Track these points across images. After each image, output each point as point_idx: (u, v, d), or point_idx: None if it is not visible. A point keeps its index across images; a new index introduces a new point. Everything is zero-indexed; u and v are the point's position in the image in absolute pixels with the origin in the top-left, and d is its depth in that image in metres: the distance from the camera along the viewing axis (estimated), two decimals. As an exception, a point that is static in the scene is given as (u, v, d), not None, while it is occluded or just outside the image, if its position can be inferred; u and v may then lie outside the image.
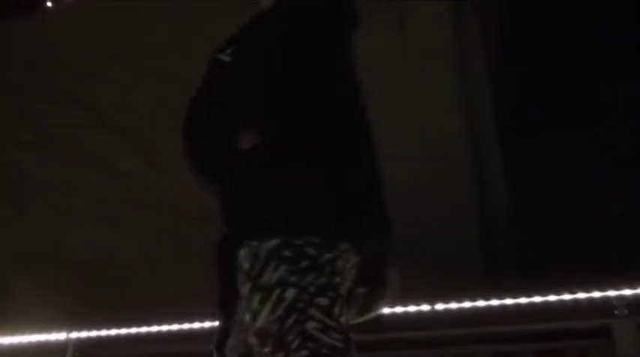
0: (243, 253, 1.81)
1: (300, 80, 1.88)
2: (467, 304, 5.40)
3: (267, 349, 1.71)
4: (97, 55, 8.93)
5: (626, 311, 5.00)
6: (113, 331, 5.92)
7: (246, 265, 1.80)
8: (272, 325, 1.71)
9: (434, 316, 5.45)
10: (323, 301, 1.73)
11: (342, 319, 1.76)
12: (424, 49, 8.54)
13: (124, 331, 5.89)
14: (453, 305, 5.43)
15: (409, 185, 8.03)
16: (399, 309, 5.51)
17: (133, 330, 5.86)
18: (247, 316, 1.77)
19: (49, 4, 9.49)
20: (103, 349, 5.95)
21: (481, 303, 5.38)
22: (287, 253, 1.74)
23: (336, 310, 1.74)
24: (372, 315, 1.98)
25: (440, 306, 5.46)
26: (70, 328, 6.07)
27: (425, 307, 5.49)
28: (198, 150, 1.93)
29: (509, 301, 5.31)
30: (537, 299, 5.24)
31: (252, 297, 1.75)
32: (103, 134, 8.69)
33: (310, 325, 1.70)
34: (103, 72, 8.76)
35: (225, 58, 1.90)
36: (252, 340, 1.76)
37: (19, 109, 9.41)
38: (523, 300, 5.27)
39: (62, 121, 8.98)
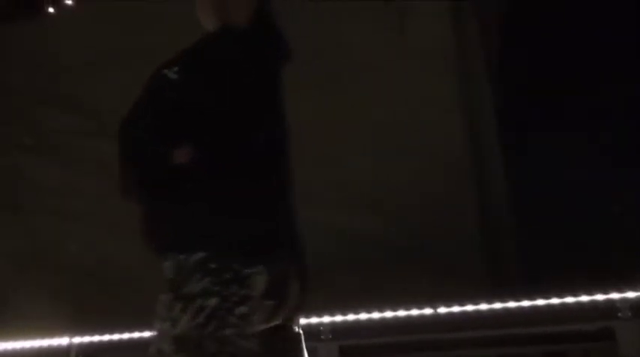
0: (167, 264, 1.90)
1: (240, 105, 1.96)
2: (469, 307, 5.39)
3: (183, 355, 1.81)
4: (97, 59, 8.92)
5: (629, 313, 4.99)
6: (115, 336, 5.92)
7: (170, 275, 1.89)
8: (192, 332, 1.81)
9: (436, 320, 5.45)
10: (243, 309, 1.88)
11: (259, 327, 1.87)
12: (424, 50, 8.54)
13: (126, 335, 5.89)
14: (455, 308, 5.43)
15: (409, 186, 8.03)
16: (401, 312, 5.51)
17: (135, 334, 5.87)
18: (165, 324, 1.86)
19: (49, 8, 9.47)
20: (106, 354, 5.95)
21: (483, 306, 5.38)
22: (212, 266, 1.88)
23: (254, 318, 1.90)
24: (275, 323, 2.14)
25: (442, 309, 5.46)
26: (73, 332, 6.07)
27: (427, 311, 5.49)
28: (134, 160, 2.00)
29: (511, 304, 5.30)
30: (540, 302, 5.24)
31: (173, 305, 1.84)
32: (103, 138, 8.64)
33: (229, 332, 1.80)
34: (103, 75, 8.75)
35: (172, 75, 1.96)
36: (169, 347, 1.84)
37: (21, 112, 9.40)
38: (525, 303, 5.26)
39: (63, 124, 8.98)
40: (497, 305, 5.33)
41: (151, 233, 1.98)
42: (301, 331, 4.13)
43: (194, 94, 1.92)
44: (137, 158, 1.98)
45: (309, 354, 4.19)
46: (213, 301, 1.84)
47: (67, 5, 9.27)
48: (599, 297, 5.16)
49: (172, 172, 1.91)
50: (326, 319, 5.54)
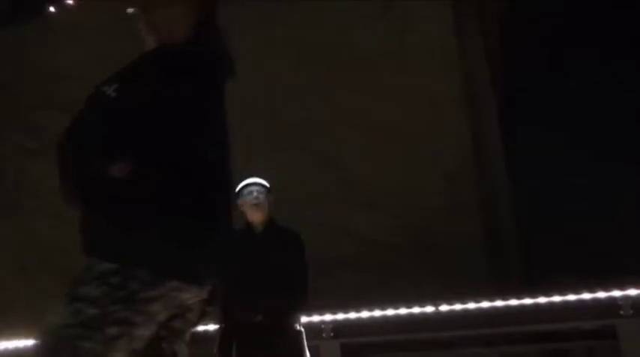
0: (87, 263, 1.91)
1: (176, 125, 1.98)
2: (471, 305, 5.40)
3: (43, 346, 1.83)
4: (97, 61, 8.92)
5: (631, 311, 5.00)
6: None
7: (77, 273, 1.91)
8: (58, 329, 1.81)
9: (438, 318, 5.45)
10: (113, 330, 1.83)
11: (124, 352, 1.87)
12: (425, 50, 8.55)
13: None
14: (457, 306, 5.43)
15: (412, 185, 8.04)
16: (403, 310, 5.52)
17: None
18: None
19: (52, 8, 9.49)
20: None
21: (485, 304, 5.38)
22: (113, 280, 1.85)
23: (121, 343, 1.85)
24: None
25: (444, 307, 5.46)
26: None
27: (429, 308, 5.49)
28: (71, 172, 2.04)
29: (513, 302, 5.30)
30: (542, 300, 5.24)
31: (64, 299, 1.86)
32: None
33: (87, 344, 1.81)
34: (103, 78, 8.74)
35: (110, 92, 1.99)
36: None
37: (25, 116, 9.42)
38: (528, 301, 5.27)
39: (64, 127, 8.96)
40: (500, 303, 5.34)
41: (81, 233, 2.02)
42: (303, 330, 4.14)
43: (129, 112, 1.96)
44: (73, 171, 2.02)
45: (311, 352, 4.20)
46: (91, 311, 1.82)
47: (71, 11, 9.27)
48: (601, 295, 5.16)
49: (105, 185, 1.94)
50: (327, 317, 5.55)
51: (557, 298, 5.21)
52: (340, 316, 5.57)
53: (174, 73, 2.04)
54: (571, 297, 5.19)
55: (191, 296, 1.96)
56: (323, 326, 5.51)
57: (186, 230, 1.93)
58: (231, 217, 2.14)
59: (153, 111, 1.96)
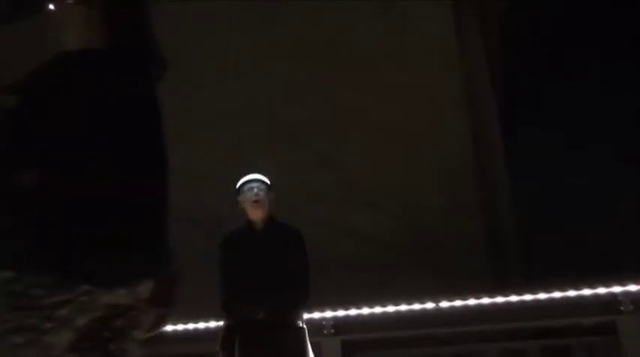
0: None
1: (89, 124, 1.94)
2: (471, 302, 5.39)
3: None
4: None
5: (631, 307, 4.99)
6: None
7: None
8: None
9: (438, 314, 5.45)
10: (17, 339, 1.79)
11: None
12: (425, 50, 8.56)
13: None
14: (458, 303, 5.42)
15: (412, 186, 8.04)
16: (403, 307, 5.51)
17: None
18: None
19: (51, 6, 9.48)
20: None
21: (485, 300, 5.37)
22: (13, 289, 1.81)
23: (29, 351, 1.80)
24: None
25: (444, 303, 5.46)
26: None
27: (429, 305, 5.48)
28: None
29: (514, 299, 5.30)
30: (542, 296, 5.23)
31: None
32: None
33: None
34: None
35: (19, 98, 1.97)
36: None
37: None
38: (528, 297, 5.26)
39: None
40: (500, 300, 5.33)
41: None
42: (305, 327, 4.14)
43: (38, 114, 1.93)
44: None
45: (312, 349, 4.19)
46: None
47: (68, 5, 9.27)
48: (602, 291, 5.15)
49: (6, 194, 1.92)
50: (328, 313, 5.54)
51: (557, 294, 5.20)
52: (341, 313, 5.57)
53: (96, 73, 1.99)
54: (571, 293, 5.18)
55: (120, 298, 1.87)
56: (324, 323, 5.51)
57: (95, 233, 1.85)
58: (166, 217, 2.00)
59: (65, 112, 1.91)
